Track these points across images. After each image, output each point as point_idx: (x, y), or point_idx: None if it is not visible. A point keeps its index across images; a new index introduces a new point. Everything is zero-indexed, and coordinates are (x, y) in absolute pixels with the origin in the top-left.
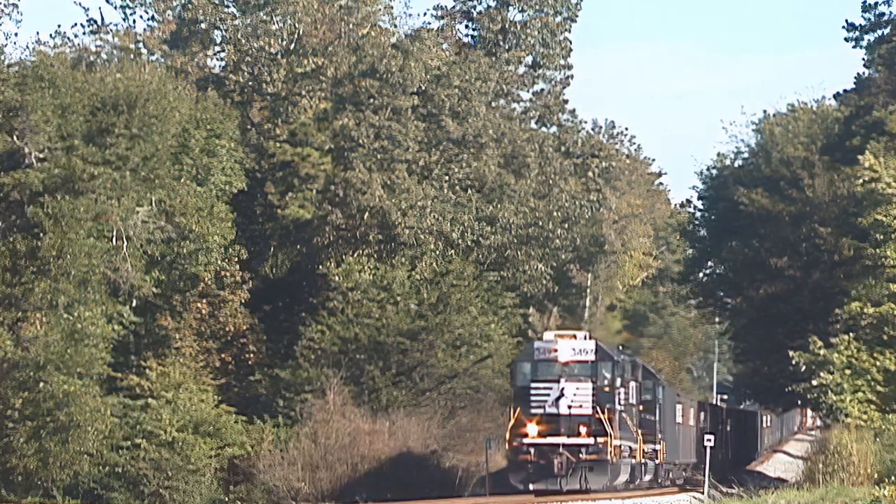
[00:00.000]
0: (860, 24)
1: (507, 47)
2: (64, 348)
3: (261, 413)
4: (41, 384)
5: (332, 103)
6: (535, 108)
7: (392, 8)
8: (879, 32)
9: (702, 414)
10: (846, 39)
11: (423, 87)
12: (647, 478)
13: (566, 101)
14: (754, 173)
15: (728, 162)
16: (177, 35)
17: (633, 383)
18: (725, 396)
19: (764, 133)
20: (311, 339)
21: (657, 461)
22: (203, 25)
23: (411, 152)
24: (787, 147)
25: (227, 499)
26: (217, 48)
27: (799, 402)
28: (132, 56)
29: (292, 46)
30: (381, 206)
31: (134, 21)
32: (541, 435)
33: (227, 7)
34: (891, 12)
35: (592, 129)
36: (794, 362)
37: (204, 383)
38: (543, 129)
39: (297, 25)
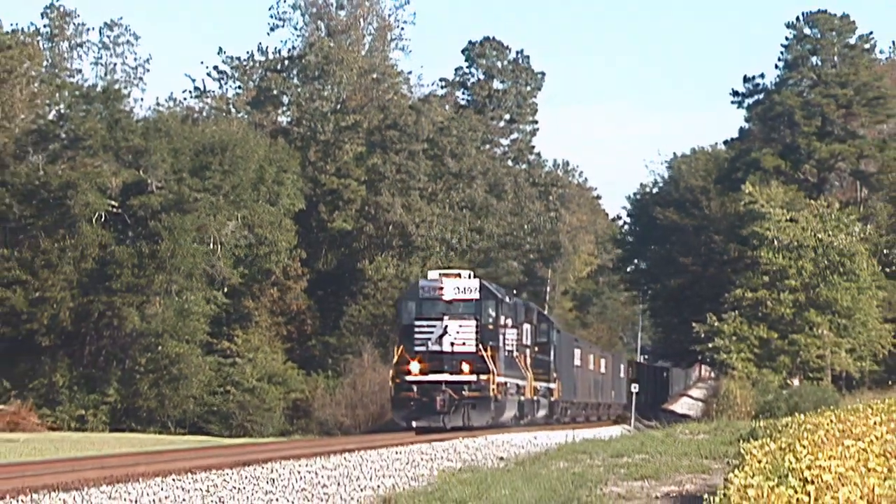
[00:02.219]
0: (742, 92)
1: (491, 108)
2: (176, 322)
3: (316, 368)
4: (159, 347)
5: (366, 148)
6: (511, 151)
7: (409, 79)
8: (755, 97)
9: (630, 368)
10: (732, 102)
11: (431, 136)
12: (541, 413)
13: (533, 147)
14: (667, 197)
15: (648, 189)
16: (256, 99)
17: (526, 325)
18: (646, 356)
19: (674, 168)
20: (352, 316)
21: (552, 398)
22: (275, 92)
23: (422, 182)
24: (690, 178)
25: (291, 429)
26: (284, 108)
27: (699, 359)
28: (224, 113)
29: (338, 107)
30: (401, 220)
31: (226, 89)
32: (423, 372)
33: (292, 79)
34: (763, 83)
35: (553, 166)
36: (695, 331)
37: (275, 347)
38: (517, 165)
39: (341, 92)
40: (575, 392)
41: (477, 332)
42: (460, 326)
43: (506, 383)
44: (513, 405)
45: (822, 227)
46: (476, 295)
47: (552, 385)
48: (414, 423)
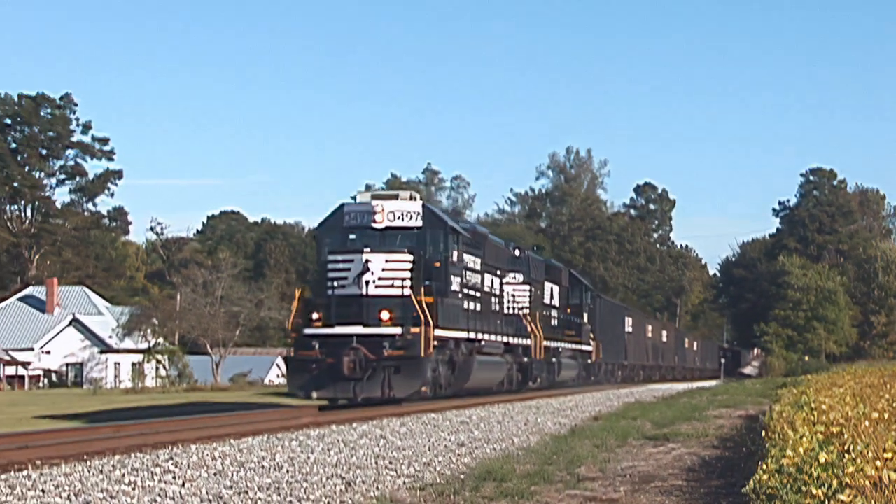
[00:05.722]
0: (777, 209)
1: (648, 218)
2: None
3: None
4: None
5: (585, 238)
6: (658, 240)
7: (606, 203)
8: (784, 212)
9: (720, 350)
10: (773, 214)
11: (618, 232)
12: (568, 374)
13: (670, 237)
14: (740, 262)
15: (730, 258)
16: (529, 214)
17: (550, 284)
18: (727, 343)
19: (742, 248)
20: None
21: (590, 360)
22: (538, 210)
23: (613, 256)
24: (751, 253)
25: None
26: (542, 219)
27: (756, 345)
28: (512, 221)
29: (570, 218)
30: (603, 275)
31: (514, 208)
32: (327, 323)
33: (546, 203)
34: (788, 204)
35: (680, 247)
36: (755, 331)
37: None
38: (662, 247)
39: (571, 211)
40: (625, 355)
41: (412, 270)
42: (387, 262)
43: (467, 339)
44: (492, 368)
45: (819, 278)
46: (417, 222)
47: (587, 347)
48: (314, 395)
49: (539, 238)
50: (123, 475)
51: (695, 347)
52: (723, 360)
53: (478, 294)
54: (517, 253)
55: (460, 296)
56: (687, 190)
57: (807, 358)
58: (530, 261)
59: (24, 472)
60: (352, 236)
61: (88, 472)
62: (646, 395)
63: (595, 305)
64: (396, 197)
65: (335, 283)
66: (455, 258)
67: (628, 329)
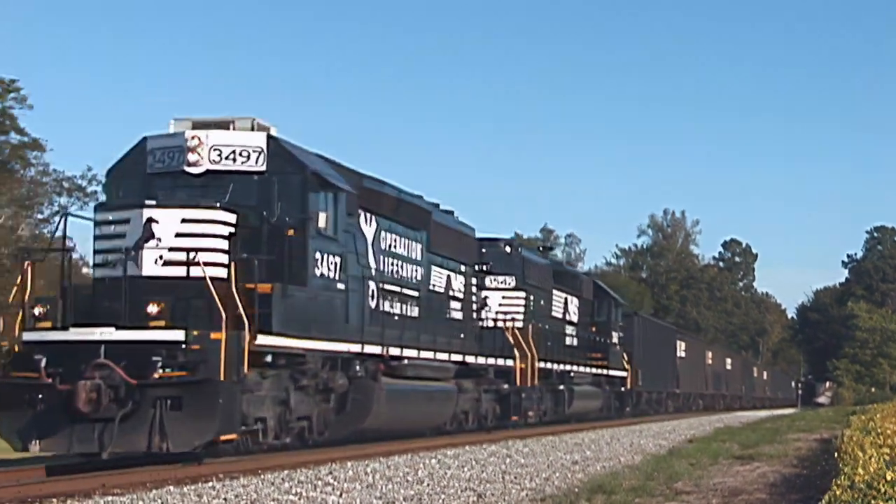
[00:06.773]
0: (846, 261)
1: (734, 270)
2: None
3: None
4: None
5: (679, 286)
6: (743, 288)
7: (697, 256)
8: (853, 264)
9: (792, 382)
10: (842, 266)
11: (708, 281)
12: (588, 404)
13: (753, 286)
14: (813, 307)
15: (805, 304)
16: (632, 265)
17: (564, 295)
18: (803, 377)
19: (816, 295)
20: None
21: (623, 388)
22: (640, 263)
23: (704, 301)
24: (824, 300)
25: None
26: (642, 270)
27: (829, 378)
28: (618, 272)
29: (667, 269)
30: (695, 318)
31: (620, 261)
32: (56, 324)
33: (647, 257)
34: (856, 257)
35: (761, 293)
36: (828, 367)
37: None
38: (745, 294)
39: (669, 263)
40: (676, 383)
41: (233, 238)
42: (184, 222)
43: (360, 354)
44: (426, 399)
45: (883, 321)
46: (259, 164)
47: (617, 372)
48: (36, 445)
49: (640, 287)
50: (291, 487)
51: (764, 377)
52: (799, 389)
53: (415, 293)
54: (508, 250)
55: (342, 286)
56: (768, 244)
57: (873, 389)
58: (526, 262)
59: (209, 484)
60: (158, 184)
61: (262, 484)
62: (733, 421)
63: (631, 324)
64: (228, 126)
65: (99, 259)
66: (326, 224)
67: (680, 354)
